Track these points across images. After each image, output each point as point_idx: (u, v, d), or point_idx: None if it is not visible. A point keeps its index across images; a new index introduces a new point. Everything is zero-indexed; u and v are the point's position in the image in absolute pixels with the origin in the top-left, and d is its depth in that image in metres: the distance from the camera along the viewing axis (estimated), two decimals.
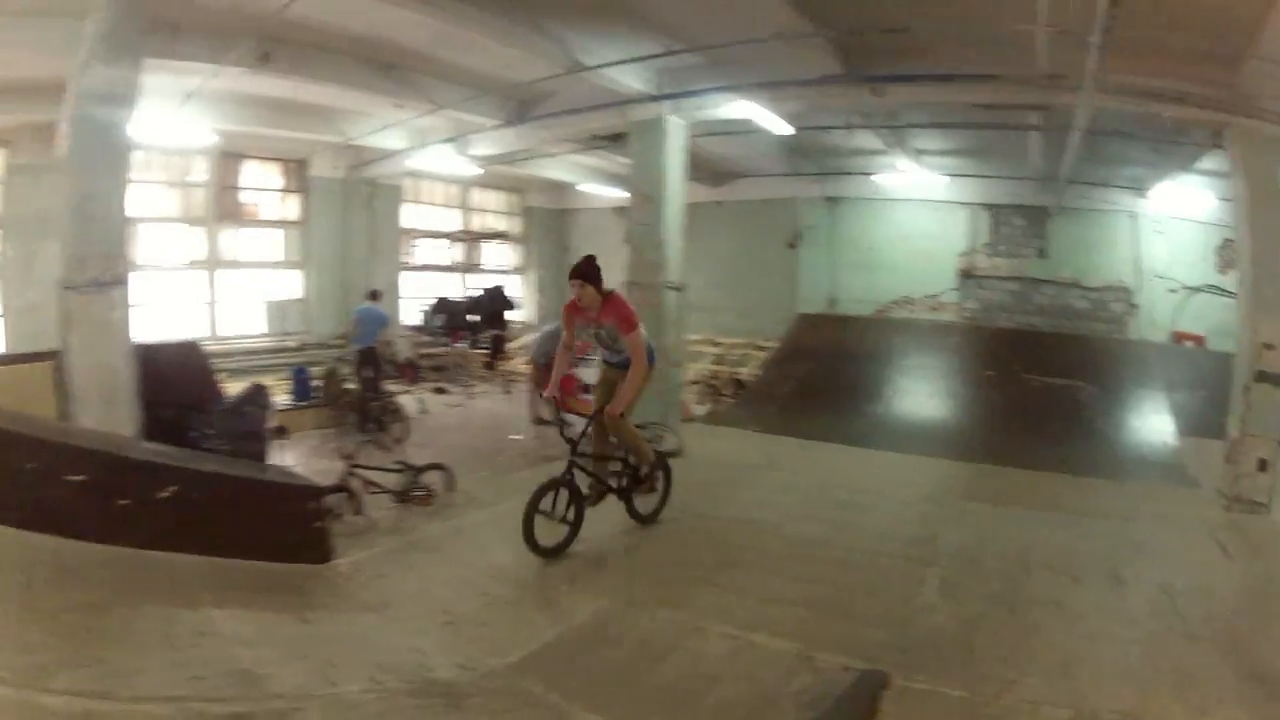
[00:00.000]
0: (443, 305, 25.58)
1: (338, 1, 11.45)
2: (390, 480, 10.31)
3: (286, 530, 7.27)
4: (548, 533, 8.09)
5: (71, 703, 4.18)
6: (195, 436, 10.52)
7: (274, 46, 13.46)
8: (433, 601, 6.91)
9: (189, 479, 6.84)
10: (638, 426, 9.75)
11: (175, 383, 10.53)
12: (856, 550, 8.83)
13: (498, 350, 24.95)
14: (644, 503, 9.62)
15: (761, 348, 22.56)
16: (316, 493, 7.93)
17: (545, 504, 8.11)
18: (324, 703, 4.82)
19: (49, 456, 6.60)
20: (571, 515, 8.36)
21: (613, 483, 9.32)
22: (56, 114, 15.95)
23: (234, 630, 5.47)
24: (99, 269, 9.08)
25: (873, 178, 22.47)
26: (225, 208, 22.46)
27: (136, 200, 17.82)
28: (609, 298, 8.79)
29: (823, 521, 9.84)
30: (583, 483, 8.73)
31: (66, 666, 4.50)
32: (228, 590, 5.98)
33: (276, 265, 23.86)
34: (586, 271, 8.69)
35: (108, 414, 8.91)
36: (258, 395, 12.79)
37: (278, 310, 23.61)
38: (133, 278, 9.75)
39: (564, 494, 8.31)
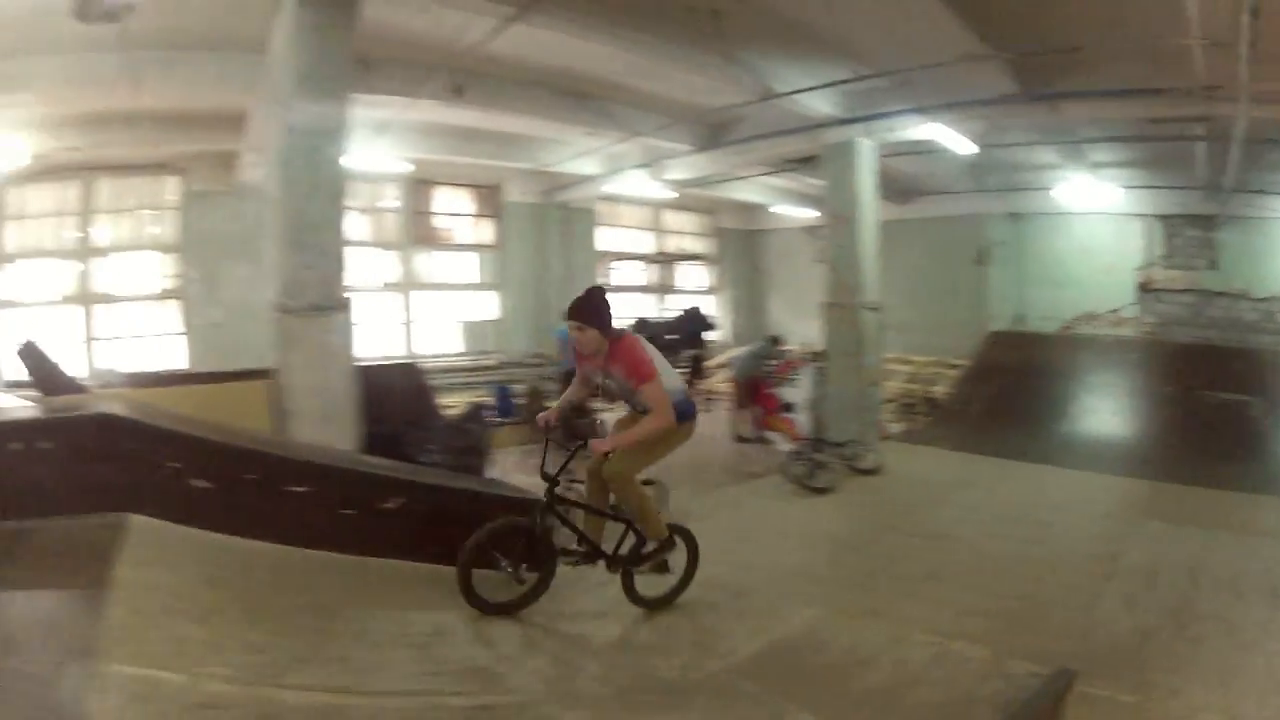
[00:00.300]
0: (642, 326, 25.25)
1: (531, 36, 11.61)
2: None
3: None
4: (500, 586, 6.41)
5: (312, 698, 4.43)
6: (414, 452, 10.81)
7: (467, 79, 13.89)
8: (648, 609, 7.21)
9: (415, 491, 7.23)
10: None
11: (396, 401, 10.83)
12: (1044, 565, 9.30)
13: (697, 369, 24.88)
14: (653, 583, 7.32)
15: (953, 366, 22.36)
16: (537, 506, 8.18)
17: (498, 557, 6.42)
18: (560, 696, 5.10)
19: (274, 469, 6.99)
20: (531, 575, 6.59)
21: (606, 548, 7.13)
22: (231, 143, 16.77)
23: (465, 631, 5.79)
24: (317, 294, 9.44)
25: (1052, 192, 22.18)
26: (419, 232, 23.32)
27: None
28: (618, 342, 6.85)
29: (1013, 538, 10.21)
30: (562, 535, 7.08)
31: (302, 664, 4.76)
32: (454, 595, 6.15)
33: (472, 287, 24.57)
34: (585, 310, 6.83)
35: (326, 430, 9.29)
36: (477, 414, 13.25)
37: (474, 330, 24.25)
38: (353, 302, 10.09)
39: (522, 544, 6.58)
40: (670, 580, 7.38)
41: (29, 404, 10.86)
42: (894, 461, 13.98)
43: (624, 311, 25.42)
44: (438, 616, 5.96)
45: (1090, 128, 16.54)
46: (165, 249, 21.00)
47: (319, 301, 9.43)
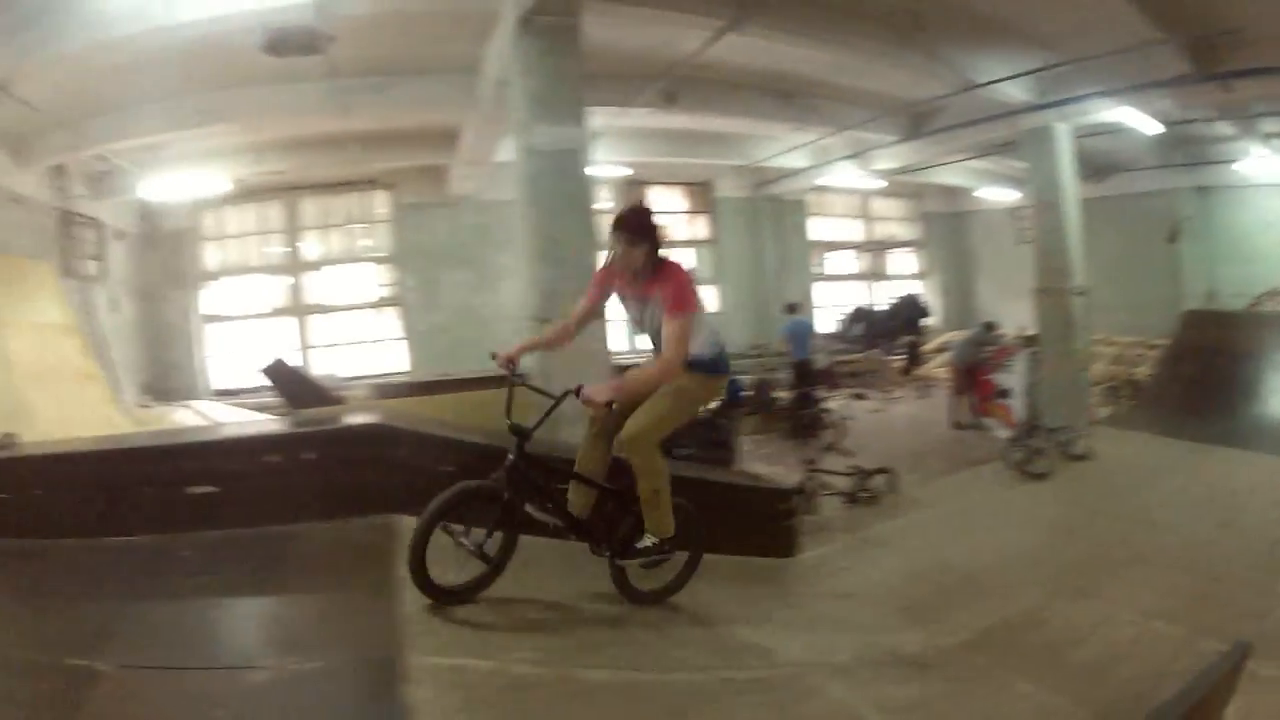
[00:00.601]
0: (860, 314, 26.03)
1: (740, 43, 11.81)
2: (840, 483, 11.03)
3: (761, 528, 7.98)
4: (455, 565, 5.64)
5: (611, 676, 4.90)
6: (670, 446, 11.14)
7: (680, 86, 14.21)
8: (890, 590, 7.70)
9: (678, 485, 7.61)
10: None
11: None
12: (1236, 548, 9.27)
13: (914, 356, 25.01)
14: (646, 576, 6.32)
15: (1153, 346, 21.89)
16: (787, 495, 8.60)
17: (456, 524, 5.62)
18: (824, 670, 5.56)
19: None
20: (494, 547, 5.78)
21: (591, 526, 6.21)
22: (441, 158, 17.64)
23: (735, 613, 6.28)
24: (571, 306, 9.69)
25: (1236, 166, 21.92)
26: None
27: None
28: (665, 266, 6.03)
29: (1210, 522, 10.20)
30: (531, 502, 5.96)
31: (596, 647, 5.26)
32: (720, 581, 6.70)
33: (702, 281, 24.56)
34: (634, 224, 5.93)
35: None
36: (729, 410, 13.61)
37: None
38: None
39: (490, 511, 5.78)
40: (666, 573, 6.37)
41: (284, 418, 11.60)
42: (1101, 447, 14.03)
43: (839, 300, 26.26)
44: (707, 599, 6.42)
45: (1264, 102, 16.45)
46: (379, 259, 22.13)
47: None
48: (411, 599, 5.43)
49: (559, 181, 9.83)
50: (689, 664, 5.32)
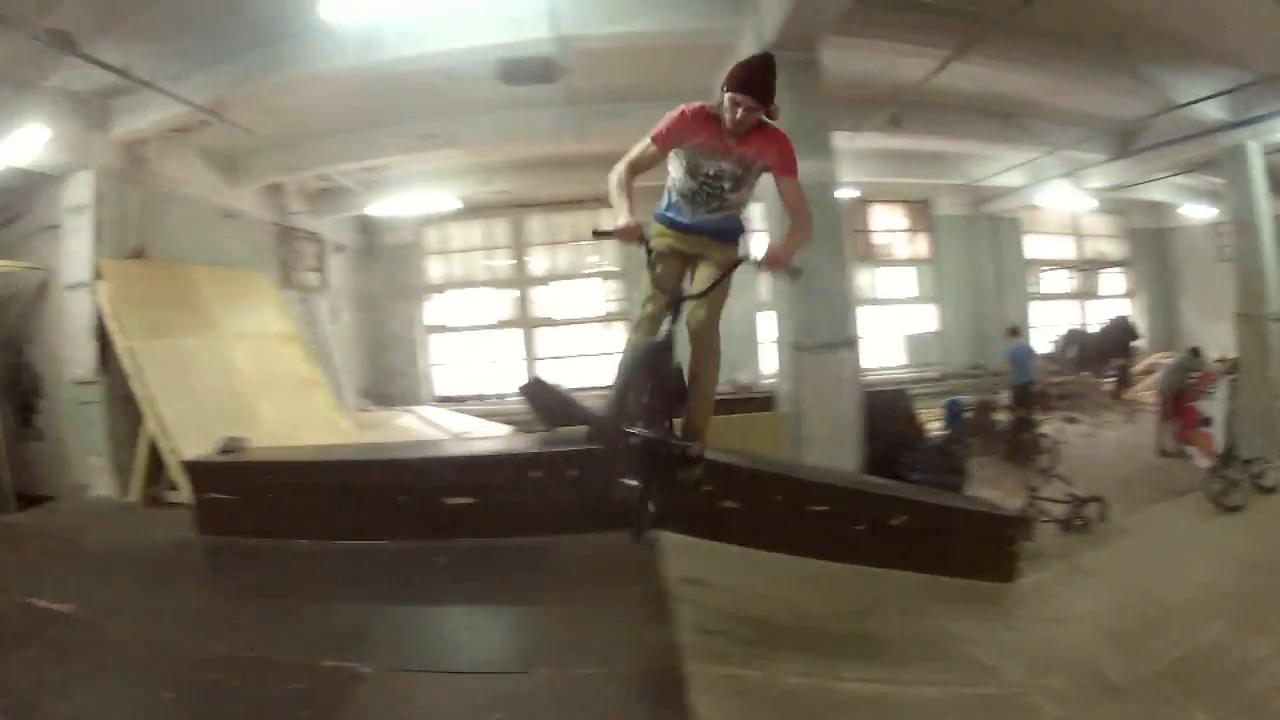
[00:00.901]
0: (1073, 336, 25.58)
1: (961, 69, 12.10)
2: (1056, 509, 11.21)
3: (986, 552, 8.23)
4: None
5: (865, 688, 5.30)
6: (906, 471, 11.26)
7: (905, 110, 14.57)
8: (1098, 618, 7.93)
9: (917, 509, 7.96)
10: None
11: (887, 424, 11.25)
12: None
13: (1124, 380, 24.45)
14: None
15: None
16: (1013, 522, 8.80)
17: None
18: (1040, 691, 5.94)
19: (796, 490, 7.91)
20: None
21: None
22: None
23: (962, 632, 6.62)
24: (829, 333, 10.14)
25: None
26: (860, 249, 24.01)
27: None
28: (766, 127, 5.65)
29: None
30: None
31: (851, 660, 5.66)
32: (945, 602, 7.08)
33: (911, 301, 25.11)
34: (769, 86, 5.49)
35: (834, 454, 9.88)
36: (957, 437, 13.84)
37: (916, 343, 24.75)
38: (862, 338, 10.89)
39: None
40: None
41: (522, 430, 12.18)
42: None
43: (1052, 320, 25.97)
44: (938, 621, 6.80)
45: None
46: (606, 275, 22.97)
47: (830, 339, 10.15)
48: (682, 612, 5.86)
49: (815, 215, 9.93)
50: (931, 679, 5.74)
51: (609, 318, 23.10)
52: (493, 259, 23.47)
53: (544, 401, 11.45)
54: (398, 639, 6.11)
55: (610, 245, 22.07)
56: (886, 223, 24.94)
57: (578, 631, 5.86)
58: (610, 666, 5.29)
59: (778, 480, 8.07)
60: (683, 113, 5.64)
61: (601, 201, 20.43)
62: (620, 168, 5.79)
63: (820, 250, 9.97)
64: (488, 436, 14.97)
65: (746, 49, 10.08)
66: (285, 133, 14.98)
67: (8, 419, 13.88)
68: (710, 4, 10.49)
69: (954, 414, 17.27)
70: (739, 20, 10.38)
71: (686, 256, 5.97)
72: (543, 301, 23.26)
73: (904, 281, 25.11)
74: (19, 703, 5.05)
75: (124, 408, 12.75)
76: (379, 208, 19.93)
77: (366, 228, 22.98)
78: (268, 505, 8.54)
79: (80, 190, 13.03)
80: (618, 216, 5.55)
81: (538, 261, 23.39)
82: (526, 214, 22.88)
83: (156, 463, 12.46)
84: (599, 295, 23.29)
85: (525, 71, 11.53)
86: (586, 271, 23.38)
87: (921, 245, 25.28)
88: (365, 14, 9.41)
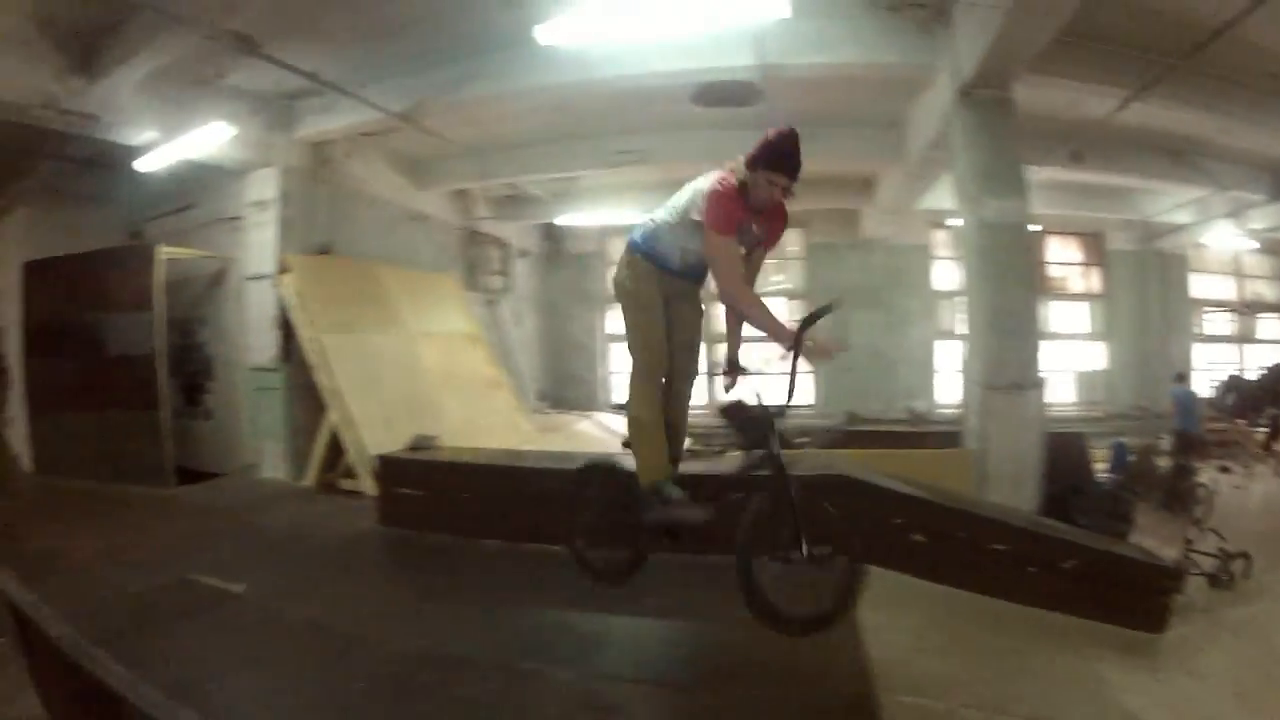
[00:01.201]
0: (1233, 383, 24.06)
1: (1140, 107, 11.93)
2: (1206, 563, 11.08)
3: (1142, 601, 8.05)
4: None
5: None
6: (1076, 515, 10.94)
7: (1084, 145, 14.53)
8: (1235, 677, 7.68)
9: (1087, 554, 7.90)
10: None
11: (1062, 465, 11.15)
12: None
13: (1276, 430, 22.61)
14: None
15: None
16: (1170, 572, 8.63)
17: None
18: None
19: (979, 528, 7.96)
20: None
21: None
22: (853, 203, 18.54)
23: (1115, 679, 6.60)
24: (1016, 374, 10.13)
25: None
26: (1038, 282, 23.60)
27: None
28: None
29: None
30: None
31: (1014, 697, 5.71)
32: (1098, 647, 7.07)
33: (1083, 337, 24.54)
34: (799, 166, 5.58)
35: (1015, 494, 9.90)
36: (1123, 482, 13.72)
37: (1084, 380, 24.23)
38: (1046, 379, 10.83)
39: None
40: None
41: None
42: None
43: (1214, 363, 25.03)
44: (1092, 663, 6.82)
45: None
46: (791, 295, 23.08)
47: (1018, 380, 10.15)
48: (871, 640, 5.96)
49: (1008, 255, 10.26)
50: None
51: None
52: None
53: (743, 424, 11.53)
54: (592, 646, 6.22)
55: (796, 265, 22.88)
56: (1061, 255, 24.46)
57: (770, 651, 5.83)
58: (805, 688, 5.40)
59: (963, 517, 8.13)
60: (731, 196, 5.55)
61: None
62: (738, 290, 5.74)
63: (1013, 289, 10.19)
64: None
65: (943, 86, 10.26)
66: (478, 141, 15.40)
67: (174, 397, 14.26)
68: (910, 39, 10.48)
69: (1119, 457, 16.80)
70: (936, 57, 10.43)
71: (666, 298, 6.07)
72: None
73: (1077, 316, 24.50)
74: (180, 681, 5.07)
75: (302, 396, 13.22)
76: (566, 217, 20.35)
77: (551, 234, 23.69)
78: (456, 504, 8.71)
79: (265, 186, 13.62)
80: (781, 340, 5.55)
81: None
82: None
83: (332, 451, 12.82)
84: (782, 313, 22.83)
85: (721, 94, 11.85)
86: (769, 290, 23.08)
87: (1094, 279, 24.74)
88: (579, 38, 9.50)
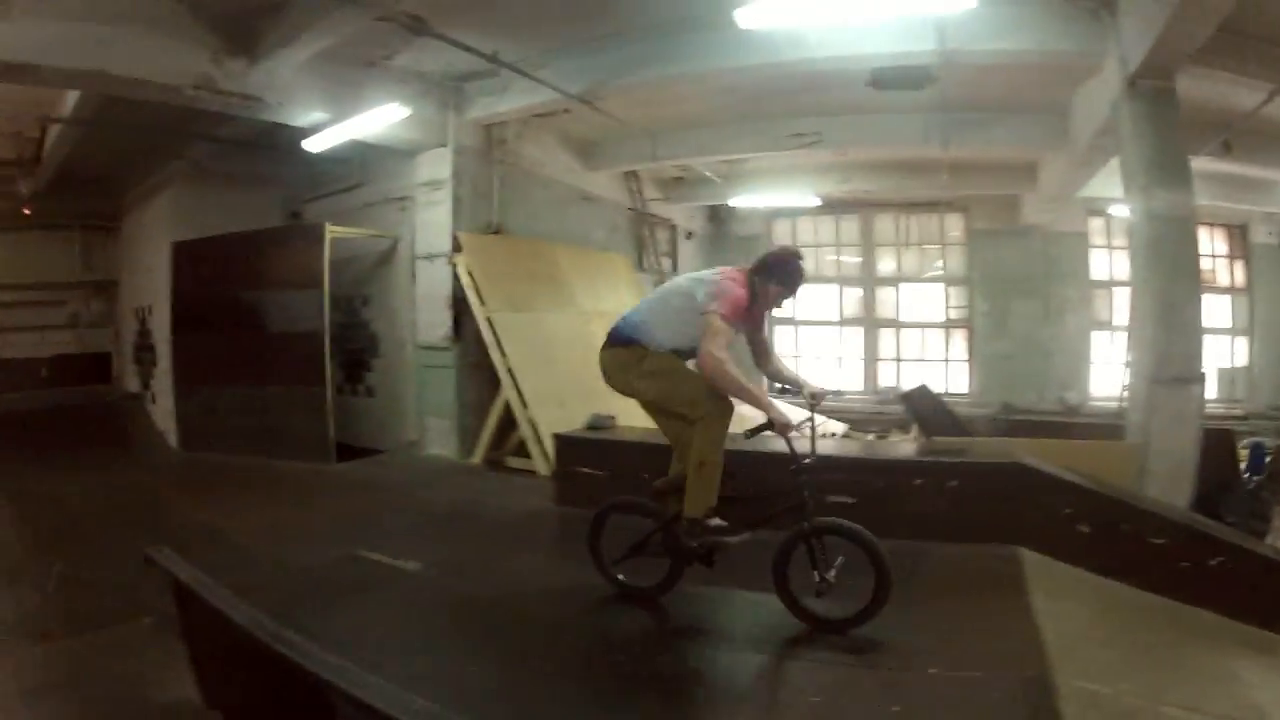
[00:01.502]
0: None
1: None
2: None
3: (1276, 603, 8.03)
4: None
5: (1188, 715, 5.46)
6: (1223, 513, 10.99)
7: (1235, 136, 14.19)
8: None
9: (1236, 553, 7.95)
10: None
11: (1212, 463, 10.89)
12: None
13: None
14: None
15: None
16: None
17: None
18: None
19: (1143, 521, 8.08)
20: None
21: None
22: (1015, 188, 18.42)
23: (1250, 677, 6.60)
24: (1180, 368, 9.99)
25: None
26: None
27: None
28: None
29: None
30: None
31: (1169, 687, 5.85)
32: (1234, 645, 7.10)
33: (1226, 331, 23.57)
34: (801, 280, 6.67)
35: (1171, 490, 9.74)
36: (1265, 482, 13.61)
37: (1224, 377, 23.33)
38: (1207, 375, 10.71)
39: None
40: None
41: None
42: None
43: None
44: (1228, 660, 6.86)
45: None
46: (949, 281, 23.02)
47: (1182, 374, 10.03)
48: (1047, 626, 6.28)
49: (1176, 247, 10.18)
50: (1226, 713, 5.79)
51: (951, 324, 23.14)
52: (839, 255, 23.95)
53: (924, 409, 11.66)
54: (785, 628, 6.41)
55: (956, 250, 22.84)
56: (1205, 248, 23.35)
57: (955, 634, 6.24)
58: (987, 670, 5.63)
59: (1127, 510, 8.25)
60: (741, 295, 6.48)
61: (949, 205, 21.29)
62: (722, 356, 6.32)
63: (1180, 282, 10.14)
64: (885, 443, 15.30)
65: (1110, 74, 10.35)
66: (650, 122, 15.64)
67: (336, 374, 14.69)
68: (1082, 27, 10.47)
69: (1258, 457, 16.30)
70: (1105, 45, 10.42)
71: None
72: (887, 302, 23.58)
73: (1219, 310, 23.38)
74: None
75: (472, 374, 13.60)
76: (735, 199, 20.66)
77: (716, 216, 24.07)
78: (638, 484, 8.61)
79: (439, 166, 13.94)
80: (766, 409, 6.36)
81: (885, 262, 23.69)
82: (876, 214, 23.21)
83: (501, 429, 13.13)
84: (941, 300, 23.33)
85: (898, 78, 11.93)
86: (930, 275, 23.50)
87: (1238, 273, 23.90)
88: (773, 21, 9.71)
